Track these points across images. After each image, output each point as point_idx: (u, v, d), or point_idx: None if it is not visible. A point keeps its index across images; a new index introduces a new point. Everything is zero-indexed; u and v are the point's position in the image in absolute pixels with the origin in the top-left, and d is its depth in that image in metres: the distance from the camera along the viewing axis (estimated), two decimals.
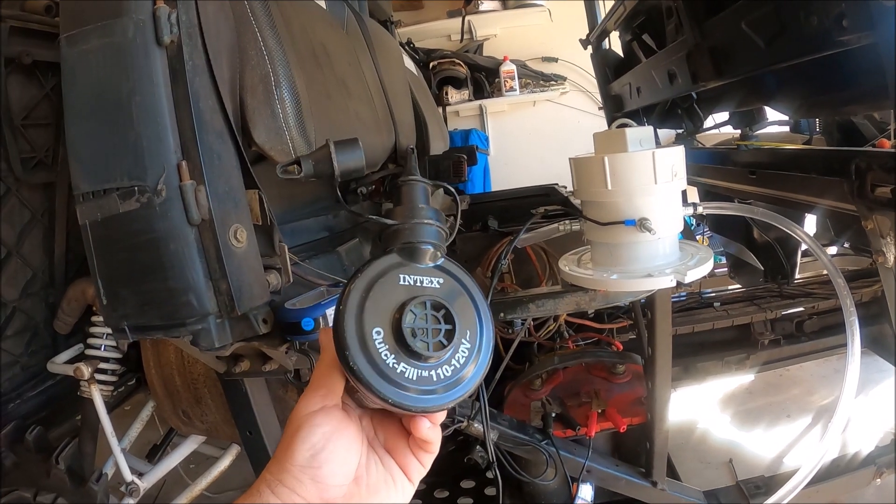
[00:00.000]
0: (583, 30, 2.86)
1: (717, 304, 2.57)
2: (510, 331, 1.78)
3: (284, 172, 0.73)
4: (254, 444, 1.20)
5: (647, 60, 2.15)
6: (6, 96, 1.32)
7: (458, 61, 4.33)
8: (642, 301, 1.53)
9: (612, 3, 2.34)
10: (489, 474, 1.42)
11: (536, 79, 4.51)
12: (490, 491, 1.89)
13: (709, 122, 2.30)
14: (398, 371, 0.50)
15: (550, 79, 4.50)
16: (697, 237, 3.27)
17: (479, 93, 4.48)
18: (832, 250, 2.48)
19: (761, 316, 2.45)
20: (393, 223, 0.57)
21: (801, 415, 2.66)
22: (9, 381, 1.44)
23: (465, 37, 4.60)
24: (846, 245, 2.29)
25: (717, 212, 1.20)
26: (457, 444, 1.93)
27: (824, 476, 1.73)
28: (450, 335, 0.52)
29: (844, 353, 1.23)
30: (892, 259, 1.15)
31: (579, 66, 4.39)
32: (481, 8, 4.48)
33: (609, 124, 2.29)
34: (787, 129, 2.28)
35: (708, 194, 2.23)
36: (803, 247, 2.30)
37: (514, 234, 1.35)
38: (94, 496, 1.39)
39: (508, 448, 1.55)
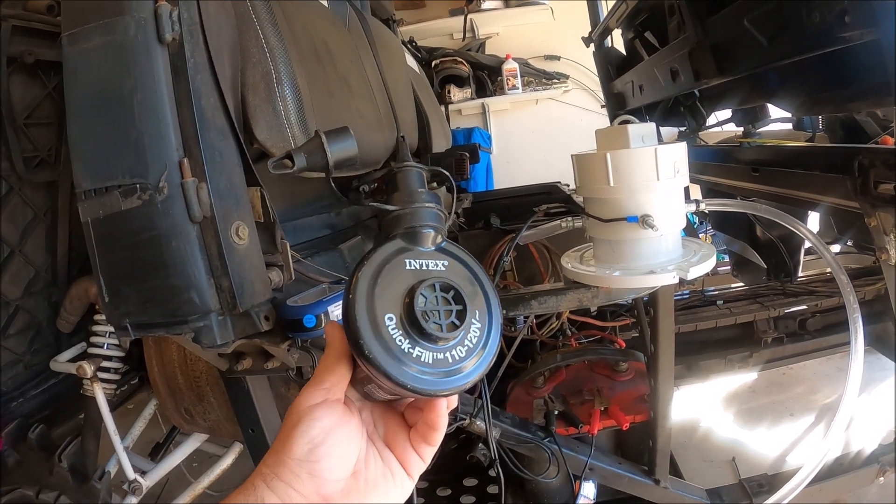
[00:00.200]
0: (585, 28, 2.85)
1: (719, 302, 2.56)
2: (512, 328, 1.78)
3: (277, 168, 0.73)
4: (256, 441, 1.20)
5: (649, 58, 2.14)
6: (9, 95, 1.32)
7: (460, 60, 4.33)
8: (645, 299, 1.53)
9: (615, 0, 2.34)
10: (492, 472, 1.42)
11: (539, 77, 4.50)
12: (493, 489, 1.89)
13: (711, 120, 2.30)
14: (414, 355, 0.49)
15: (553, 77, 4.50)
16: (700, 235, 3.26)
17: (481, 91, 4.48)
18: (835, 248, 2.47)
19: (764, 314, 2.45)
20: (393, 209, 0.57)
21: (804, 413, 2.66)
22: (12, 379, 1.45)
23: (468, 35, 4.60)
24: (849, 243, 2.28)
25: (720, 208, 1.19)
26: (459, 442, 1.94)
27: (827, 474, 1.73)
28: (461, 315, 0.52)
29: (847, 351, 1.22)
30: (895, 256, 1.15)
31: (582, 64, 4.39)
32: (483, 6, 4.48)
33: (611, 122, 2.29)
34: (789, 126, 2.27)
35: (711, 192, 2.23)
36: (806, 245, 2.30)
37: (516, 232, 1.35)
38: (97, 494, 1.39)
39: (511, 446, 1.55)
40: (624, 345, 1.94)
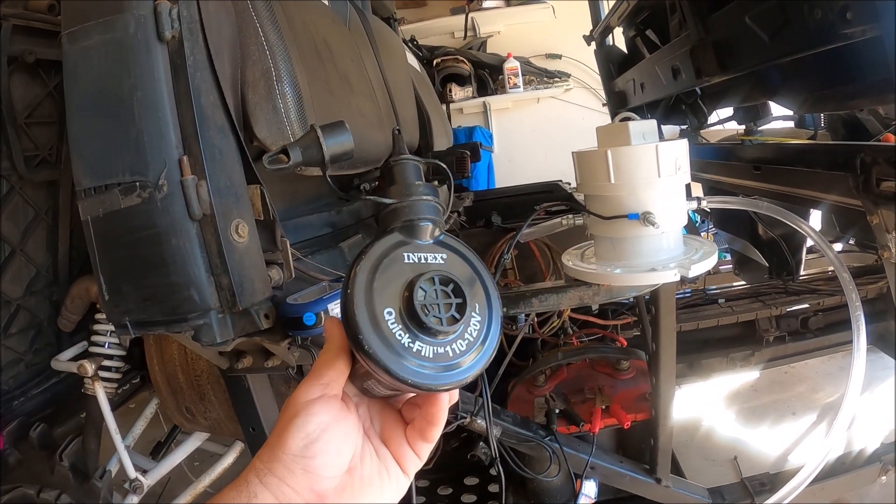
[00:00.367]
0: (586, 26, 2.85)
1: (721, 301, 2.55)
2: (514, 327, 1.78)
3: (272, 162, 0.72)
4: (257, 440, 1.20)
5: (650, 56, 2.14)
6: (9, 95, 1.32)
7: (461, 58, 4.33)
8: (646, 297, 1.52)
9: None
10: (493, 471, 1.42)
11: (540, 76, 4.50)
12: (494, 487, 1.89)
13: (713, 118, 2.29)
14: (414, 350, 0.49)
15: (554, 75, 4.50)
16: (702, 234, 3.26)
17: (482, 90, 4.48)
18: (837, 247, 2.47)
19: (766, 312, 2.44)
20: (391, 202, 0.57)
21: (806, 412, 2.65)
22: (13, 378, 1.45)
23: (469, 34, 4.60)
24: (851, 241, 2.28)
25: (722, 206, 1.19)
26: (460, 440, 1.94)
27: (829, 473, 1.72)
28: (461, 308, 0.51)
29: (850, 349, 1.22)
30: None
31: (583, 62, 4.39)
32: (484, 5, 4.49)
33: (612, 120, 2.29)
34: (791, 124, 2.27)
35: (712, 190, 2.22)
36: (808, 243, 2.29)
37: (517, 230, 1.35)
38: (98, 493, 1.39)
39: (512, 445, 1.54)
40: (625, 343, 1.94)
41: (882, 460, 1.75)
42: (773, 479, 1.73)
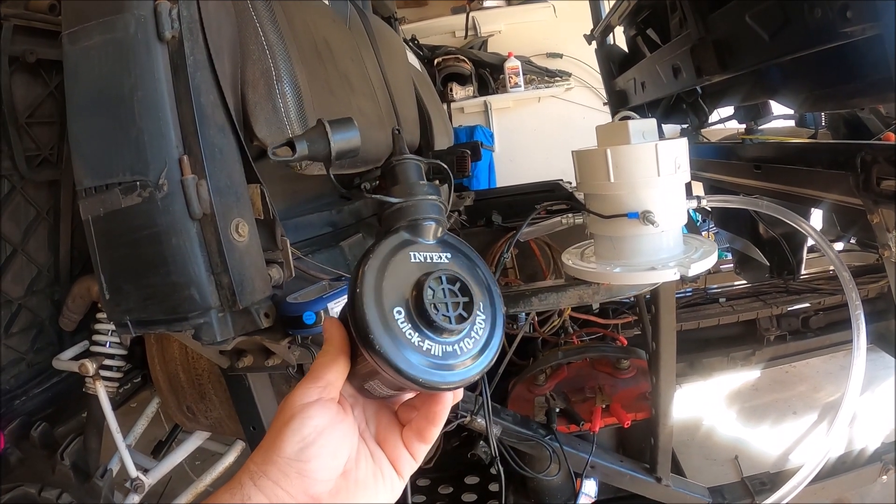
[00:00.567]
0: (587, 25, 2.85)
1: (722, 300, 2.55)
2: (514, 326, 1.78)
3: (276, 155, 0.72)
4: (257, 439, 1.19)
5: (651, 55, 2.14)
6: (10, 95, 1.32)
7: (462, 58, 4.33)
8: (647, 296, 1.52)
9: None
10: (493, 470, 1.42)
11: (541, 75, 4.50)
12: (494, 486, 1.89)
13: (714, 117, 2.29)
14: (424, 349, 0.49)
15: (555, 75, 4.49)
16: (703, 233, 3.26)
17: (483, 89, 4.48)
18: (838, 246, 2.46)
19: (767, 312, 2.44)
20: (396, 201, 0.56)
21: (806, 411, 2.65)
22: (14, 377, 1.45)
23: (470, 33, 4.60)
24: (852, 240, 2.28)
25: (722, 205, 1.19)
26: (461, 439, 1.94)
27: (829, 473, 1.72)
28: (468, 307, 0.51)
29: (850, 349, 1.22)
30: None
31: (584, 62, 4.39)
32: (485, 4, 4.49)
33: (613, 119, 2.29)
34: (792, 123, 2.27)
35: (713, 189, 2.22)
36: (809, 242, 2.29)
37: (517, 229, 1.35)
38: (99, 492, 1.39)
39: (512, 443, 1.55)
40: (626, 342, 1.94)
41: (883, 460, 1.75)
42: (774, 479, 1.73)
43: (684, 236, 1.15)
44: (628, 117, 1.07)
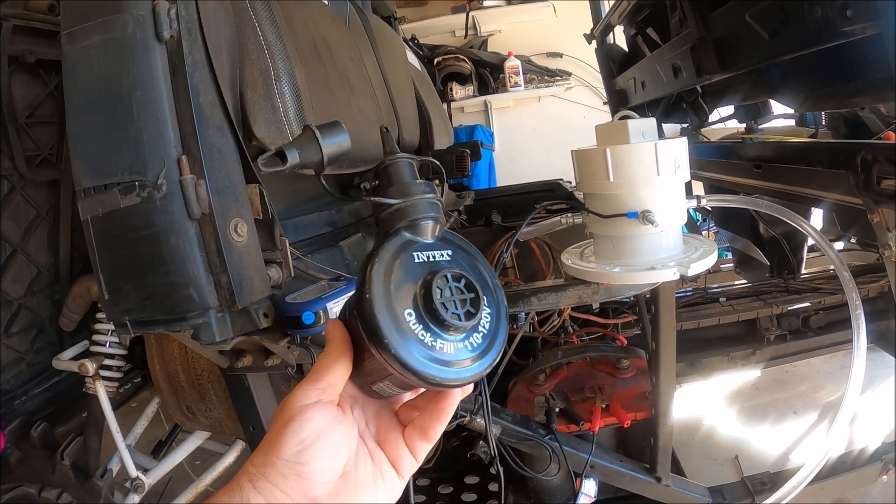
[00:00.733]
0: (587, 24, 2.85)
1: (722, 300, 2.55)
2: (514, 325, 1.78)
3: (268, 165, 0.71)
4: (257, 439, 1.19)
5: (651, 54, 2.14)
6: (10, 95, 1.32)
7: (462, 57, 4.33)
8: (646, 296, 1.52)
9: None
10: (493, 470, 1.42)
11: (541, 74, 4.50)
12: (494, 486, 1.89)
13: (714, 117, 2.29)
14: (437, 348, 0.49)
15: (555, 74, 4.49)
16: (703, 232, 3.25)
17: (483, 89, 4.48)
18: (839, 246, 2.46)
19: (767, 311, 2.43)
20: (394, 202, 0.56)
21: (807, 411, 2.65)
22: (15, 377, 1.45)
23: (470, 33, 4.60)
24: (853, 240, 2.27)
25: (722, 204, 1.19)
26: (460, 439, 1.94)
27: (830, 473, 1.72)
28: (475, 303, 0.51)
29: (851, 348, 1.22)
30: None
31: (584, 61, 4.38)
32: (485, 3, 4.49)
33: (612, 119, 2.29)
34: (792, 122, 2.27)
35: (713, 189, 2.22)
36: (809, 242, 2.29)
37: (517, 229, 1.35)
38: (99, 492, 1.39)
39: (512, 443, 1.54)
40: (626, 342, 1.93)
41: (883, 459, 1.75)
42: (774, 478, 1.73)
43: (684, 236, 1.14)
44: (628, 116, 1.07)
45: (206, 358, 1.23)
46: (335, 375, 0.53)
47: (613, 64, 2.70)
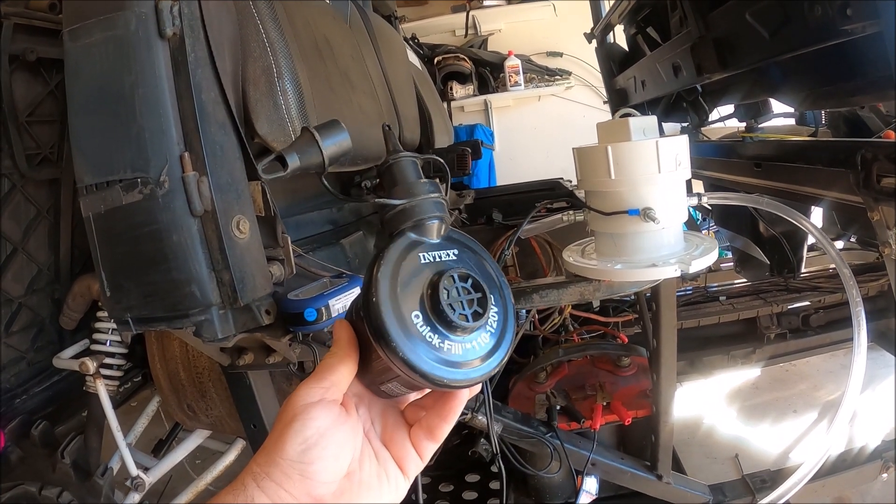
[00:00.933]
0: (587, 24, 2.85)
1: (722, 298, 2.55)
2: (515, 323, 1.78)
3: (268, 170, 0.70)
4: (258, 437, 1.20)
5: (651, 53, 2.14)
6: (11, 93, 1.32)
7: (462, 56, 4.33)
8: (647, 294, 1.52)
9: None
10: (494, 467, 1.42)
11: (541, 74, 4.50)
12: (495, 484, 1.89)
13: (714, 115, 2.29)
14: (445, 350, 0.49)
15: (555, 73, 4.49)
16: (703, 231, 3.26)
17: (483, 88, 4.48)
18: (839, 245, 2.46)
19: (767, 310, 2.44)
20: (399, 203, 0.56)
21: (807, 410, 2.65)
22: (15, 376, 1.45)
23: (470, 32, 4.60)
24: (853, 238, 2.28)
25: (722, 202, 1.19)
26: (462, 437, 1.94)
27: (830, 471, 1.72)
28: (482, 302, 0.51)
29: (851, 347, 1.22)
30: None
31: (584, 60, 4.39)
32: (485, 3, 4.49)
33: (613, 117, 2.29)
34: (792, 121, 2.27)
35: (713, 187, 2.22)
36: (809, 240, 2.29)
37: (518, 227, 1.35)
38: (100, 491, 1.39)
39: (513, 441, 1.55)
40: (626, 340, 1.94)
41: (883, 458, 1.75)
42: (774, 476, 1.73)
43: (685, 233, 1.15)
44: (629, 114, 1.07)
45: (206, 356, 1.23)
46: (339, 375, 0.52)
47: (613, 63, 2.70)
